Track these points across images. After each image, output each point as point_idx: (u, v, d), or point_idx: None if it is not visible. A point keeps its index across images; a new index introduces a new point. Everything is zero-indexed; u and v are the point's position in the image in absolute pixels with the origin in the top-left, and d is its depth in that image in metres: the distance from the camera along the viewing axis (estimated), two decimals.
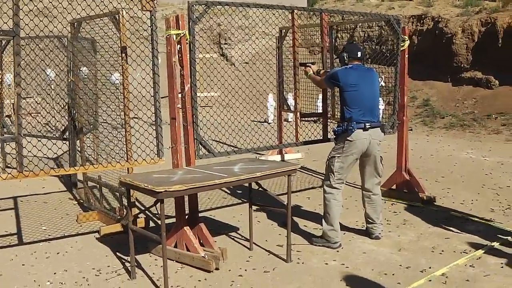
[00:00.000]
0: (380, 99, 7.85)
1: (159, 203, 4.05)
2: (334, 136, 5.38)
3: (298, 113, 5.87)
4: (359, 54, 5.34)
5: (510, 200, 6.96)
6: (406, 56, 6.82)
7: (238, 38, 19.03)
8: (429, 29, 17.90)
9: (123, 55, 5.19)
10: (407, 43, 6.77)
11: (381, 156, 5.44)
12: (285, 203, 4.84)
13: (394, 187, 7.10)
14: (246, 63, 16.14)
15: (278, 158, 9.13)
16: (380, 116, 5.76)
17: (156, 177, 4.33)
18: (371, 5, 21.12)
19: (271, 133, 6.77)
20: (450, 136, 13.57)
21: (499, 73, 15.32)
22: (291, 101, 9.52)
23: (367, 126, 5.17)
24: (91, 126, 6.48)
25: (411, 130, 14.23)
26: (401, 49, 6.76)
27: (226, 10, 5.58)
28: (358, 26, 18.29)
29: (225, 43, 20.28)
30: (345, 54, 5.36)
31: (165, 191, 3.93)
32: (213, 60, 16.97)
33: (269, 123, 16.02)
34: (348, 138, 5.18)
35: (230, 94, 6.24)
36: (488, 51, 15.73)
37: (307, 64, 5.92)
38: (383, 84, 7.52)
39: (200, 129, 5.19)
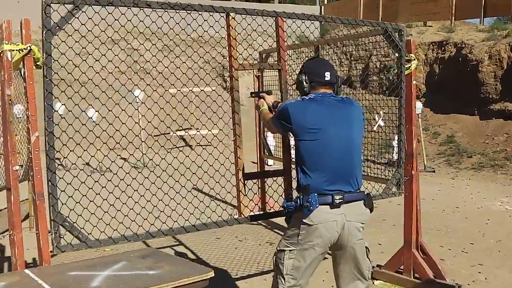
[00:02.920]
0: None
1: None
2: (285, 217, 3.23)
3: (240, 173, 3.66)
4: (327, 75, 3.17)
5: None
6: (414, 82, 4.61)
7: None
8: (452, 56, 15.55)
9: None
10: (414, 63, 4.56)
11: (367, 247, 3.22)
12: None
13: (400, 269, 4.83)
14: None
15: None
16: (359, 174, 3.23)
17: None
18: None
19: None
20: (480, 179, 11.12)
21: None
22: (271, 141, 7.40)
23: (337, 201, 3.00)
24: None
25: (434, 172, 11.89)
26: (406, 72, 4.57)
27: None
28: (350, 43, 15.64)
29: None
30: (303, 77, 3.22)
31: None
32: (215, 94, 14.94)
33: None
34: (304, 220, 3.01)
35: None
36: None
37: (260, 94, 3.78)
38: (382, 124, 5.34)
39: (63, 204, 3.08)
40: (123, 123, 3.77)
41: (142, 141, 10.84)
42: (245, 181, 3.72)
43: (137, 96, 9.93)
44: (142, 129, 4.33)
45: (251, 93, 4.04)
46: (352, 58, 17.37)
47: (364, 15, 19.71)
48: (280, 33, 3.85)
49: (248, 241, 6.46)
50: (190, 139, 14.99)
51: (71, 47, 3.44)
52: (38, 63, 2.98)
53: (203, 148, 14.91)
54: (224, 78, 18.72)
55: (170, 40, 4.45)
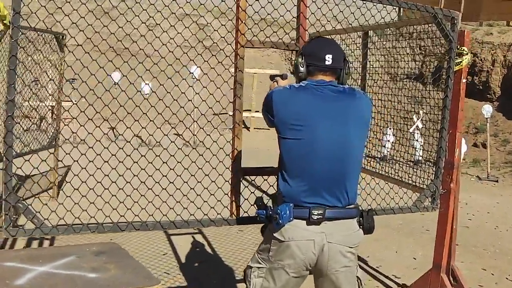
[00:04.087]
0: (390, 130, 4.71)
1: None
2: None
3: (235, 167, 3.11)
4: (328, 59, 2.52)
5: None
6: (463, 81, 3.90)
7: None
8: None
9: None
10: (466, 58, 3.84)
11: (358, 277, 2.59)
12: None
13: None
14: None
15: None
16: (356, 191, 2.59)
17: None
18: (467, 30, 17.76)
19: None
20: None
21: None
22: None
23: (315, 216, 2.41)
24: None
25: (497, 181, 10.84)
26: (456, 68, 3.86)
27: None
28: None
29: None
30: (300, 60, 2.59)
31: None
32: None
33: None
34: (275, 234, 2.47)
35: None
36: None
37: (275, 78, 3.22)
38: (420, 126, 4.62)
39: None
40: (174, 100, 3.27)
41: (194, 120, 10.45)
42: (242, 177, 3.19)
43: (192, 73, 9.56)
44: (196, 107, 3.86)
45: (270, 76, 3.48)
46: (426, 52, 16.30)
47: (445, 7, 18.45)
48: (302, 8, 3.26)
49: None
50: (250, 122, 14.59)
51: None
52: (4, 21, 2.57)
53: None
54: (291, 62, 18.14)
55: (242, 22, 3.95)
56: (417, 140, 5.23)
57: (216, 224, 3.10)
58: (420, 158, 4.60)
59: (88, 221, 2.77)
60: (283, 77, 3.19)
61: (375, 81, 4.68)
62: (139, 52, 3.30)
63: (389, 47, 4.69)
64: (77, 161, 2.77)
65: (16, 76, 2.59)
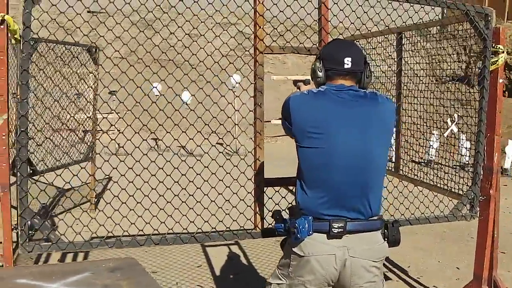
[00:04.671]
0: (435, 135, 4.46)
1: None
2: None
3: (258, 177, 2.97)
4: (347, 62, 2.38)
5: None
6: (501, 81, 3.66)
7: None
8: None
9: None
10: (502, 57, 3.61)
11: None
12: None
13: None
14: None
15: None
16: (379, 201, 2.42)
17: None
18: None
19: None
20: None
21: None
22: None
23: (336, 230, 2.27)
24: None
25: None
26: (492, 67, 3.63)
27: None
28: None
29: None
30: (318, 64, 2.46)
31: None
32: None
33: None
34: (294, 249, 2.34)
35: None
36: None
37: (297, 84, 3.10)
38: (455, 130, 4.37)
39: (35, 198, 2.64)
40: (221, 110, 3.23)
41: (235, 124, 10.28)
42: (265, 188, 3.07)
43: (238, 83, 9.45)
44: (243, 117, 3.75)
45: (293, 82, 3.37)
46: (471, 53, 15.81)
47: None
48: (323, 10, 3.12)
49: None
50: None
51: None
52: (15, 36, 2.55)
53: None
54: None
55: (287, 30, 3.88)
56: (462, 145, 4.98)
57: (239, 238, 2.99)
58: (467, 163, 4.38)
59: (122, 233, 2.76)
60: (306, 82, 3.07)
61: (416, 84, 4.47)
62: (179, 62, 3.24)
63: (430, 48, 4.49)
64: (107, 176, 2.73)
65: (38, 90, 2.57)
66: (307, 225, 2.27)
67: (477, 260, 3.79)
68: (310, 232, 2.28)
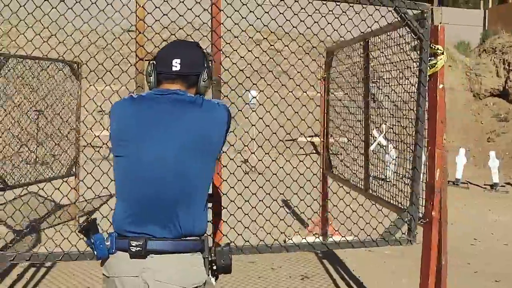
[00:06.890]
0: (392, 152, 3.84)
1: None
2: None
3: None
4: (175, 64, 2.06)
5: None
6: (440, 86, 3.14)
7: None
8: None
9: None
10: (441, 60, 3.09)
11: None
12: None
13: None
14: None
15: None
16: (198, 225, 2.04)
17: None
18: None
19: None
20: None
21: None
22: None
23: (134, 248, 1.96)
24: None
25: None
26: (430, 71, 3.13)
27: None
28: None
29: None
30: (150, 68, 2.14)
31: None
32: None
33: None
34: (102, 268, 2.05)
35: None
36: None
37: None
38: (384, 144, 3.83)
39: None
40: (252, 125, 3.15)
41: (252, 139, 9.92)
42: None
43: (255, 97, 9.13)
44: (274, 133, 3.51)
45: None
46: (510, 67, 14.81)
47: None
48: (214, 11, 2.78)
49: (282, 270, 5.34)
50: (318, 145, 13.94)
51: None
52: None
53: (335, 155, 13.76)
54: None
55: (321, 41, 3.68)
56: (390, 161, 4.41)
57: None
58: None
59: None
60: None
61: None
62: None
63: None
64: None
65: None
66: (106, 242, 1.98)
67: None
68: (113, 250, 1.98)
